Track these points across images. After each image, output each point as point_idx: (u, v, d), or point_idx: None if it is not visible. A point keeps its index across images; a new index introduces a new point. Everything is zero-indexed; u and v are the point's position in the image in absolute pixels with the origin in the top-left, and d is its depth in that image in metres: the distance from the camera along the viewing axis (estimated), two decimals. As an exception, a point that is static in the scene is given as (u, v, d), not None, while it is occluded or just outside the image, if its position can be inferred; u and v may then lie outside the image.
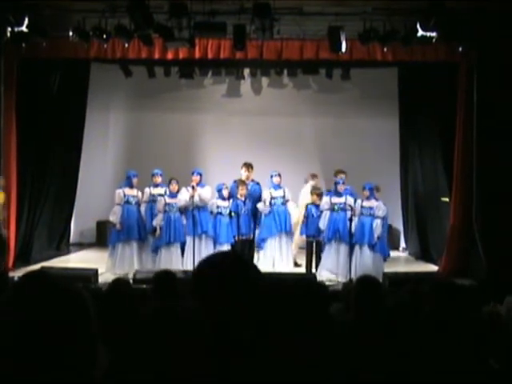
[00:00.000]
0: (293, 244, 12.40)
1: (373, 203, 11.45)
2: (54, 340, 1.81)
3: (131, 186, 11.91)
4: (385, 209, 11.49)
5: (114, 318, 4.18)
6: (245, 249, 11.78)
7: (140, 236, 11.84)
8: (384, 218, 11.56)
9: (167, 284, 5.39)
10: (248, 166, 12.17)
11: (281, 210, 11.89)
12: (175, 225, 11.61)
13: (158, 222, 11.63)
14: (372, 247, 11.35)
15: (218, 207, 11.70)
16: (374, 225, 11.34)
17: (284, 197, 11.96)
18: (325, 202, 11.66)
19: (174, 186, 11.68)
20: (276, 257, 11.88)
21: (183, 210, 11.73)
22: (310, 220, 11.74)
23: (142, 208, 11.98)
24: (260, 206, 11.90)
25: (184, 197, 11.62)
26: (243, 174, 12.17)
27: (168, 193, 11.77)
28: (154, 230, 11.71)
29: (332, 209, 11.55)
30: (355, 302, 4.69)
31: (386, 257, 11.65)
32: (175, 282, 5.41)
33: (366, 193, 11.47)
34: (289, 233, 12.00)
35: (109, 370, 1.95)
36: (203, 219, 11.58)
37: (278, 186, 11.97)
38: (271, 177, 12.06)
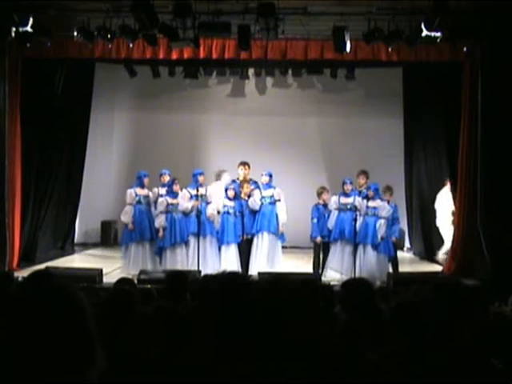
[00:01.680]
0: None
1: (377, 203, 11.43)
2: (49, 340, 1.81)
3: (142, 186, 11.93)
4: (389, 209, 11.46)
5: (117, 318, 4.18)
6: (250, 247, 11.80)
7: (152, 236, 11.84)
8: (393, 218, 11.55)
9: (179, 285, 5.40)
10: (245, 165, 12.16)
11: (266, 209, 11.86)
12: (180, 225, 11.61)
13: (160, 223, 11.63)
14: (375, 247, 11.33)
15: (224, 206, 11.73)
16: (378, 225, 11.33)
17: (272, 197, 11.92)
18: (333, 201, 11.66)
19: (176, 187, 11.69)
20: (256, 256, 11.81)
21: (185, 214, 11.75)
22: (321, 221, 11.68)
23: (153, 208, 11.99)
24: (250, 202, 11.86)
25: (186, 204, 11.61)
26: (240, 172, 12.17)
27: (169, 193, 11.77)
28: (157, 230, 11.74)
29: (340, 209, 11.55)
30: (345, 305, 4.71)
31: (391, 257, 11.60)
32: (186, 283, 5.43)
33: (371, 193, 11.45)
34: (274, 233, 11.91)
35: (107, 370, 1.95)
36: (207, 219, 11.59)
37: (267, 186, 11.93)
38: (261, 176, 12.04)
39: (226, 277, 2.23)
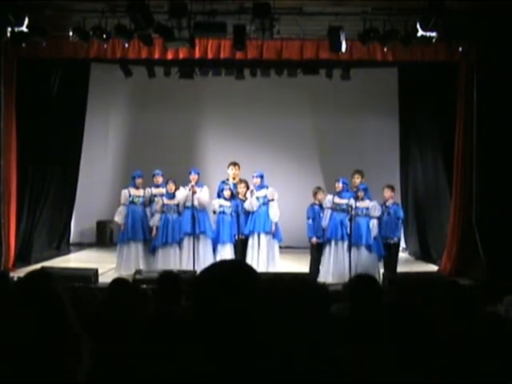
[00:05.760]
0: None
1: (367, 203, 11.42)
2: (37, 339, 1.82)
3: (136, 187, 11.94)
4: (379, 208, 11.47)
5: (112, 318, 4.18)
6: (245, 248, 11.81)
7: (145, 236, 11.84)
8: (396, 218, 11.57)
9: (170, 286, 5.41)
10: (235, 165, 12.15)
11: (261, 210, 11.82)
12: (173, 225, 11.63)
13: (154, 222, 11.67)
14: (369, 248, 11.32)
15: (220, 206, 11.74)
16: (371, 225, 11.33)
17: (265, 197, 11.89)
18: (327, 200, 11.61)
19: (170, 187, 11.71)
20: (253, 256, 11.79)
21: (182, 209, 11.73)
22: (316, 221, 11.66)
23: (148, 208, 12.00)
24: (247, 204, 11.84)
25: (182, 193, 11.63)
26: (230, 172, 12.15)
27: (166, 193, 11.80)
28: (151, 229, 11.76)
29: (334, 208, 11.52)
30: (351, 300, 4.72)
31: (381, 256, 11.58)
32: (178, 283, 5.44)
33: (361, 193, 11.42)
34: (269, 233, 11.89)
35: (95, 369, 1.96)
36: (201, 219, 11.59)
37: (259, 187, 11.89)
38: (252, 177, 12.02)
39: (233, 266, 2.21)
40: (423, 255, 14.11)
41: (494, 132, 11.33)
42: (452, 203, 12.22)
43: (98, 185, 15.73)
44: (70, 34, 10.88)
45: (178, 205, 11.74)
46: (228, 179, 12.15)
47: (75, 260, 13.84)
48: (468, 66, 11.64)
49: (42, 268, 10.30)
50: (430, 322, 3.09)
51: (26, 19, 10.36)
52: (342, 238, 11.38)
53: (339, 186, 11.58)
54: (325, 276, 11.37)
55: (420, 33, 10.32)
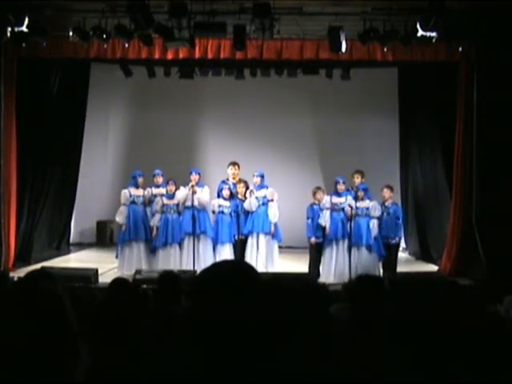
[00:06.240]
0: None
1: (367, 203, 11.42)
2: (32, 340, 1.83)
3: (137, 186, 11.93)
4: (379, 208, 11.47)
5: (112, 317, 4.18)
6: (245, 248, 11.81)
7: (146, 236, 11.83)
8: (396, 218, 11.57)
9: (171, 286, 5.41)
10: (235, 165, 12.16)
11: (260, 210, 11.83)
12: (173, 225, 11.62)
13: (155, 222, 11.67)
14: (369, 248, 11.32)
15: (219, 206, 11.73)
16: (371, 225, 11.33)
17: (265, 197, 11.88)
18: (325, 200, 11.61)
19: (170, 187, 11.70)
20: (252, 256, 11.77)
21: (181, 209, 11.73)
22: (316, 220, 11.64)
23: (148, 208, 11.99)
24: (246, 204, 11.84)
25: (182, 193, 11.62)
26: (230, 172, 12.15)
27: (166, 193, 11.80)
28: (152, 229, 11.77)
29: (333, 208, 11.52)
30: (351, 300, 4.72)
31: (382, 256, 11.57)
32: (178, 283, 5.45)
33: (361, 193, 11.42)
34: (268, 234, 11.89)
35: (95, 369, 1.97)
36: (201, 219, 11.59)
37: (259, 187, 11.89)
38: (252, 177, 12.02)
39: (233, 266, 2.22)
40: (423, 255, 14.10)
41: (493, 132, 11.32)
42: (452, 203, 12.22)
43: (98, 185, 15.73)
44: (70, 33, 10.88)
45: (177, 205, 11.73)
46: (228, 179, 12.15)
47: (75, 260, 13.84)
48: (468, 66, 11.64)
49: (42, 268, 10.29)
50: (430, 322, 3.08)
51: (26, 19, 10.36)
52: (343, 238, 11.38)
53: (342, 187, 11.57)
54: (326, 276, 11.37)
55: (420, 33, 10.32)
